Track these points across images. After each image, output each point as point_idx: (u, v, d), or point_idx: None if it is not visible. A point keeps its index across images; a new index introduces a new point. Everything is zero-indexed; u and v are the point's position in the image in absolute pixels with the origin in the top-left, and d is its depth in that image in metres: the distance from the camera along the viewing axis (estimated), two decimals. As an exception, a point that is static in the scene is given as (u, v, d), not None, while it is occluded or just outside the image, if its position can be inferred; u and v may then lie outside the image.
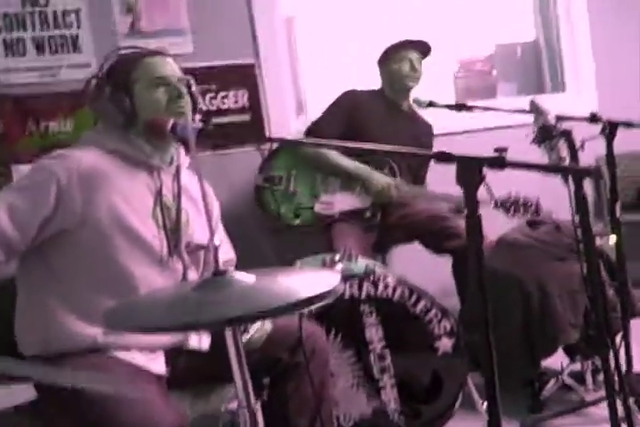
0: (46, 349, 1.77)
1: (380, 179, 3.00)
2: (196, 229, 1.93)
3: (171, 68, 1.88)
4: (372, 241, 3.13)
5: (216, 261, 1.27)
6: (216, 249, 1.29)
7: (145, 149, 1.84)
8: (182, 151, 1.95)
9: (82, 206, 1.73)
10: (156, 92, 1.83)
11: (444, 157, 1.44)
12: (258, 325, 1.89)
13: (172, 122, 1.72)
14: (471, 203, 1.38)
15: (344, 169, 3.05)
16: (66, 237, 1.75)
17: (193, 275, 1.93)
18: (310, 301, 1.16)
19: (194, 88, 1.89)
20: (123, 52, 1.91)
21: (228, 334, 1.25)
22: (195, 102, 1.90)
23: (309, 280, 1.30)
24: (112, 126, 1.85)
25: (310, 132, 3.11)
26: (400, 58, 3.17)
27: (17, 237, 1.70)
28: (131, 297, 1.70)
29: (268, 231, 3.12)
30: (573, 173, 1.61)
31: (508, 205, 2.65)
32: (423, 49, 3.19)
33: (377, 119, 3.14)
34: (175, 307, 1.20)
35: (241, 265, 1.66)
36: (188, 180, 1.97)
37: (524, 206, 2.70)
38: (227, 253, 2.08)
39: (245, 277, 1.25)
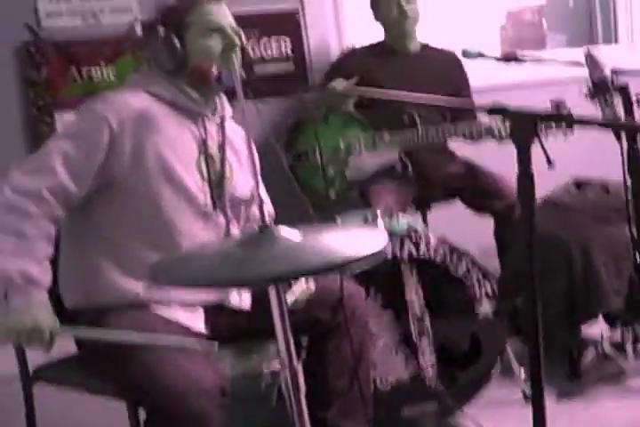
0: (89, 302, 1.76)
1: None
2: (239, 182, 1.91)
3: (226, 17, 1.83)
4: (411, 198, 3.07)
5: (262, 215, 1.22)
6: (262, 203, 1.25)
7: (192, 96, 1.81)
8: (225, 101, 1.91)
9: (131, 154, 1.71)
10: (210, 39, 1.80)
11: (497, 110, 1.38)
12: (303, 285, 1.86)
13: (216, 70, 1.69)
14: (524, 159, 1.32)
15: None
16: (112, 187, 1.72)
17: (235, 229, 1.90)
18: (357, 261, 1.12)
19: (244, 39, 1.86)
20: None
21: (272, 292, 1.21)
22: (244, 54, 1.85)
23: (356, 239, 1.25)
24: (160, 70, 1.81)
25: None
26: (387, 1, 3.06)
27: (75, 190, 1.68)
28: (173, 250, 1.70)
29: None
30: (631, 129, 1.52)
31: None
32: None
33: (379, 74, 3.04)
34: (220, 263, 1.17)
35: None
36: (231, 131, 1.94)
37: None
38: (267, 206, 2.02)
39: (291, 234, 1.20)
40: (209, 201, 1.81)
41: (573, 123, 1.32)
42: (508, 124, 2.75)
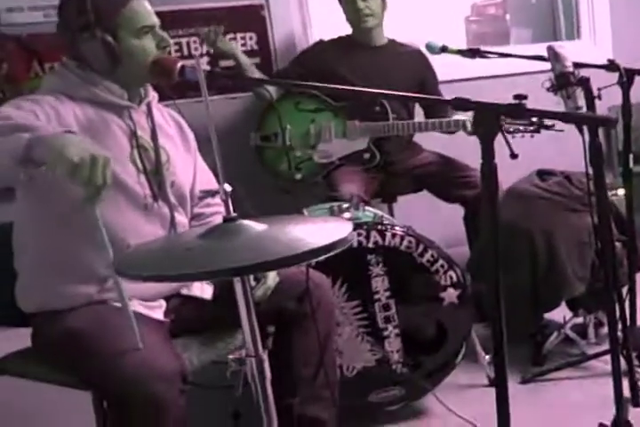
0: (44, 308, 1.77)
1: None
2: (178, 166, 1.89)
3: (151, 15, 1.80)
4: (376, 184, 3.12)
5: (227, 206, 1.23)
6: (227, 194, 1.25)
7: (112, 90, 1.78)
8: (150, 88, 1.88)
9: None
10: (144, 39, 1.76)
11: (460, 104, 1.41)
12: (274, 274, 1.87)
13: (180, 64, 1.68)
14: (488, 151, 1.35)
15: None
16: (53, 189, 1.66)
17: (181, 218, 1.89)
18: (322, 250, 1.14)
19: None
20: None
21: (237, 283, 1.22)
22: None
23: (321, 229, 1.27)
24: (91, 69, 1.77)
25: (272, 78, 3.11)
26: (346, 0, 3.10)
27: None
28: (120, 248, 1.65)
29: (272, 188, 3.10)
30: (593, 121, 1.55)
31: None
32: None
33: (345, 66, 3.08)
34: (183, 255, 1.17)
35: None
36: (161, 117, 1.92)
37: None
38: (209, 182, 2.00)
39: (256, 226, 1.21)
40: (148, 193, 1.79)
41: (536, 116, 1.34)
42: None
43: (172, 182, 1.86)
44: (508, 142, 1.39)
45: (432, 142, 3.27)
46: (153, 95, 1.90)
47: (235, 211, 1.27)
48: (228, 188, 1.27)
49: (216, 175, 1.35)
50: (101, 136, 1.73)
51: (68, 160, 1.35)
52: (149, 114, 1.86)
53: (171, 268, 1.13)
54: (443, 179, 3.11)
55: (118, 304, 1.69)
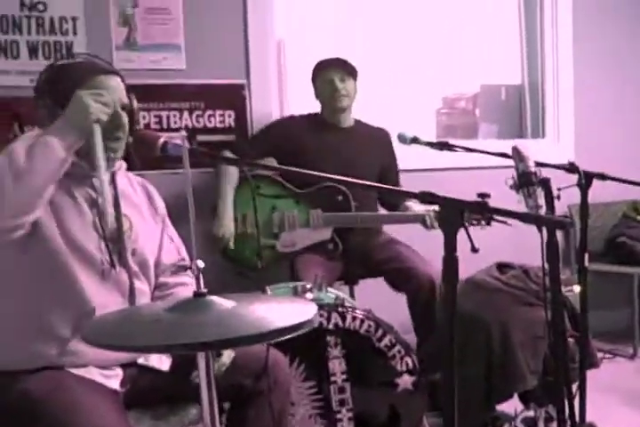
0: (2, 366, 1.75)
1: (223, 227, 2.99)
2: (141, 234, 1.91)
3: (115, 92, 1.81)
4: (338, 271, 3.14)
5: (198, 281, 1.27)
6: (199, 270, 1.29)
7: (73, 161, 1.74)
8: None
9: None
10: None
11: (427, 198, 1.46)
12: (230, 351, 1.88)
13: (162, 140, 1.72)
14: (450, 245, 1.40)
15: (216, 196, 3.06)
16: (20, 245, 1.69)
17: (141, 285, 1.90)
18: (287, 330, 1.17)
19: (135, 105, 1.86)
20: (74, 60, 1.85)
21: (201, 358, 1.24)
22: (132, 122, 1.85)
23: (287, 309, 1.30)
24: None
25: (233, 150, 3.12)
26: (322, 79, 3.18)
27: None
28: (83, 307, 1.71)
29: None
30: (551, 224, 1.63)
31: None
32: (343, 67, 3.17)
33: (312, 144, 3.14)
34: (151, 327, 1.20)
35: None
36: (129, 185, 1.96)
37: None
38: (178, 253, 2.03)
39: (224, 302, 1.25)
40: (106, 260, 1.80)
41: (499, 215, 1.41)
42: (436, 212, 2.88)
43: (134, 250, 1.88)
44: (469, 237, 1.44)
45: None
46: (120, 164, 1.92)
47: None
48: (200, 263, 1.31)
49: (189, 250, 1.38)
50: (64, 203, 1.76)
51: (96, 107, 1.64)
52: (113, 182, 1.88)
53: (139, 338, 1.15)
54: (390, 269, 3.11)
55: (75, 371, 1.70)
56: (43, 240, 1.71)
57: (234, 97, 3.42)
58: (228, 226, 2.99)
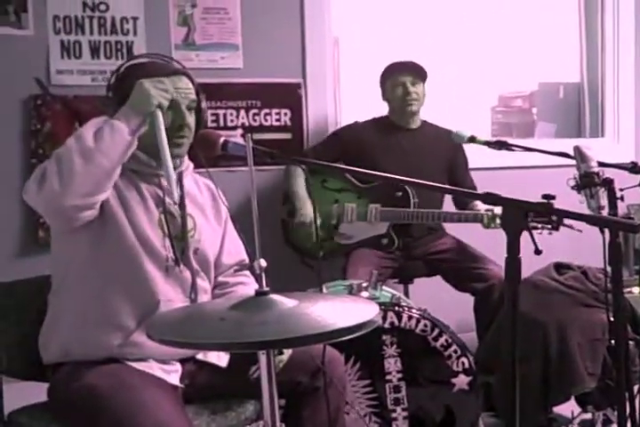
0: (66, 357, 1.80)
1: (304, 215, 3.03)
2: (204, 234, 1.94)
3: (184, 91, 1.84)
4: (391, 270, 3.14)
5: (260, 279, 1.28)
6: (261, 269, 1.30)
7: (141, 159, 1.84)
8: (186, 157, 1.95)
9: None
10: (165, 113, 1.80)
11: (490, 199, 1.45)
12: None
13: (223, 139, 1.74)
14: (513, 247, 1.39)
15: (288, 190, 3.13)
16: (94, 237, 1.77)
17: (202, 283, 1.93)
18: (349, 330, 1.17)
19: (203, 105, 1.91)
20: (145, 60, 1.90)
21: (262, 356, 1.26)
22: (199, 121, 1.89)
23: (349, 309, 1.31)
24: None
25: (302, 156, 3.10)
26: (393, 82, 3.17)
27: None
28: (149, 303, 1.76)
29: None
30: (619, 227, 1.59)
31: None
32: (415, 70, 3.15)
33: (380, 147, 3.14)
34: (216, 325, 1.21)
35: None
36: (195, 186, 1.99)
37: None
38: (239, 254, 2.06)
39: (287, 301, 1.26)
40: (171, 257, 1.84)
41: (564, 217, 1.38)
42: (494, 212, 2.85)
43: (196, 249, 1.92)
44: (533, 239, 1.42)
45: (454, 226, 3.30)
46: (187, 164, 1.97)
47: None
48: (263, 262, 1.32)
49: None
50: (133, 201, 1.81)
51: (156, 92, 1.71)
52: (179, 182, 1.92)
53: (204, 336, 1.17)
54: (456, 268, 3.12)
55: (136, 365, 1.73)
56: (115, 232, 1.77)
57: (290, 96, 3.44)
58: (308, 214, 3.04)
